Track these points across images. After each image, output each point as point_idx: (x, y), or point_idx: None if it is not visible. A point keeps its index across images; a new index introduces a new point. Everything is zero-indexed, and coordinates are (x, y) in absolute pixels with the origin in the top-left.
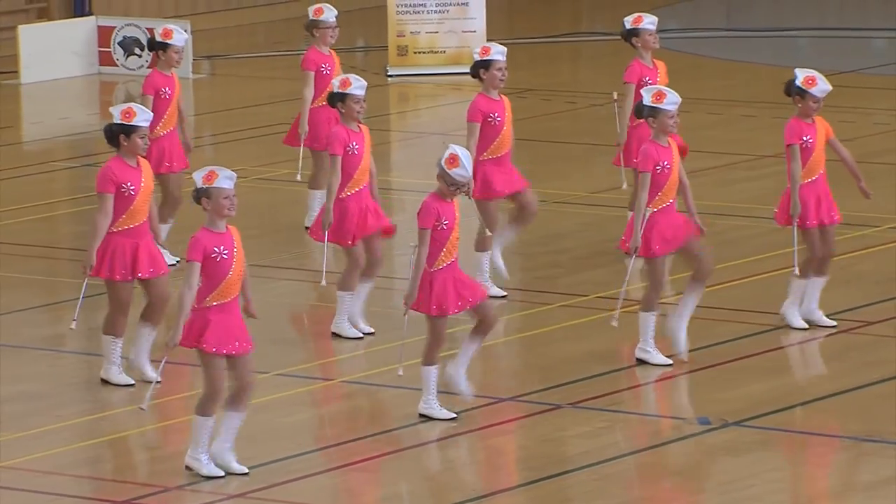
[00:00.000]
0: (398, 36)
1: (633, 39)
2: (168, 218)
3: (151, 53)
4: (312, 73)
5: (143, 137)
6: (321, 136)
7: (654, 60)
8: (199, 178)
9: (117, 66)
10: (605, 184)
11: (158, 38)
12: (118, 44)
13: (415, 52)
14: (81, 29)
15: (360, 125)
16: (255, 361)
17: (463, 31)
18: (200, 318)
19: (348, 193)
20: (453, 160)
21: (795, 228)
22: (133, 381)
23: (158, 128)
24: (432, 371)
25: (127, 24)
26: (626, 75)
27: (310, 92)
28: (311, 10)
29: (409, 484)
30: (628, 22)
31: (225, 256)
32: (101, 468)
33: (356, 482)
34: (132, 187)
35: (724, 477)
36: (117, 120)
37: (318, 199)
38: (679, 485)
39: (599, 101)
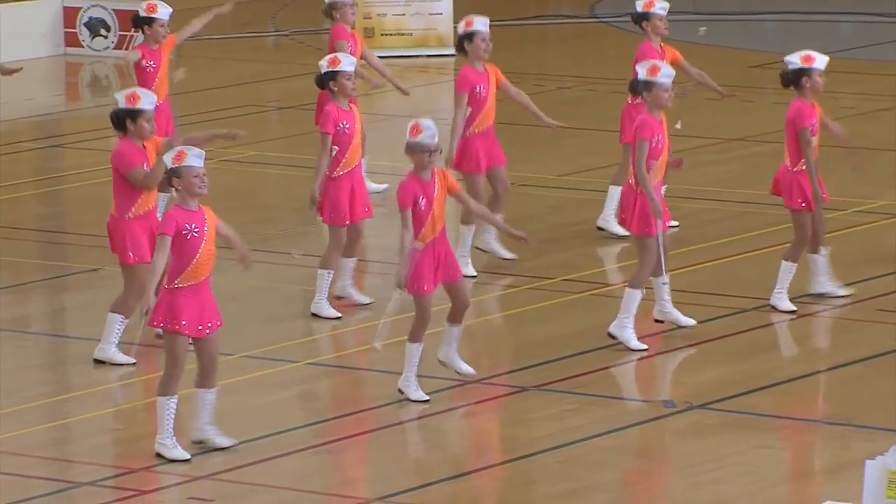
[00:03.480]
0: (365, 18)
1: (644, 23)
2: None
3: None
4: (345, 42)
5: (149, 121)
6: None
7: (664, 45)
8: (168, 159)
9: (83, 47)
10: (572, 167)
11: (143, 14)
12: (84, 25)
13: (381, 35)
14: (47, 10)
15: (352, 104)
16: (229, 342)
17: (430, 14)
18: (171, 298)
19: (341, 173)
20: (415, 128)
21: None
22: (135, 360)
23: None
24: (414, 348)
25: (93, 6)
26: (638, 57)
27: None
28: None
29: (374, 466)
30: (639, 5)
31: (196, 235)
32: (66, 450)
33: (323, 464)
34: (146, 169)
35: (688, 460)
36: (122, 105)
37: None
38: (643, 467)
39: (567, 83)
